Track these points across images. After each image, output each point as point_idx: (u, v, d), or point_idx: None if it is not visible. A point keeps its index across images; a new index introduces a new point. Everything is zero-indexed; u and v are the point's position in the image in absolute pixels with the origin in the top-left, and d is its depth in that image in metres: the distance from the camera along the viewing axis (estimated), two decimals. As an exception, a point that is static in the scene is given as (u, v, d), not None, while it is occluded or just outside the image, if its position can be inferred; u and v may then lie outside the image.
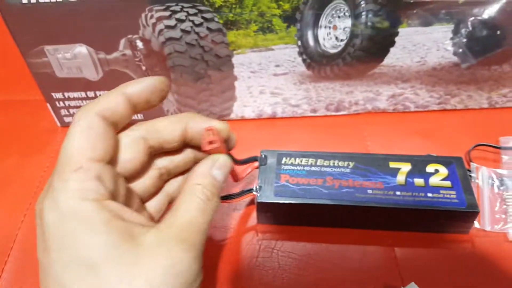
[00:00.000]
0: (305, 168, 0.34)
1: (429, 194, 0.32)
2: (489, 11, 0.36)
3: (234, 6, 0.34)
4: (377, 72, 0.40)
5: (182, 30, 0.36)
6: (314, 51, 0.38)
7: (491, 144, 0.37)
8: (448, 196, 0.32)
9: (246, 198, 0.36)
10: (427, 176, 0.33)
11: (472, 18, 0.36)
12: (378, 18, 0.36)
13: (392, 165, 0.34)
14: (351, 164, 0.34)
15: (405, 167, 0.34)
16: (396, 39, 0.37)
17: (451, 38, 0.37)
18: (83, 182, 0.20)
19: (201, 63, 0.38)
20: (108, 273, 0.18)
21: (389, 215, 0.32)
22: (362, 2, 0.35)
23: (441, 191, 0.32)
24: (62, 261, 0.19)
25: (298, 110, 0.42)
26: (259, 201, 0.32)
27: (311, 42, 0.37)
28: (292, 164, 0.34)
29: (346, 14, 0.35)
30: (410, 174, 0.33)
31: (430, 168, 0.33)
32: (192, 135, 0.25)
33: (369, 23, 0.36)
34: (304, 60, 0.38)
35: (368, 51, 0.38)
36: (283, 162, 0.34)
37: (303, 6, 0.35)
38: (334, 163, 0.34)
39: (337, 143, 0.41)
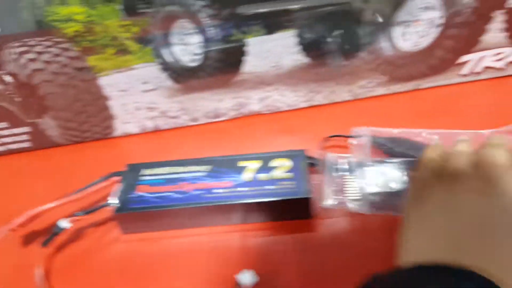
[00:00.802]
0: (164, 176, 0.37)
1: (271, 187, 0.35)
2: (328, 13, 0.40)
3: (86, 34, 0.37)
4: (240, 80, 0.43)
5: (44, 61, 0.38)
6: (176, 66, 0.41)
7: (340, 135, 0.40)
8: (287, 186, 0.35)
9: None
10: (271, 170, 0.36)
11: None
12: (224, 31, 0.39)
13: (242, 163, 0.37)
14: (207, 167, 0.37)
15: (254, 165, 0.37)
16: (247, 48, 0.40)
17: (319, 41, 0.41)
18: None
19: (71, 89, 0.41)
20: None
21: (235, 210, 0.35)
22: (204, 20, 0.38)
23: (282, 183, 0.35)
24: None
25: (179, 121, 0.45)
26: (115, 213, 0.35)
27: (169, 58, 0.40)
28: (152, 175, 0.37)
29: (194, 30, 0.39)
30: (257, 170, 0.36)
31: (275, 163, 0.37)
32: None
33: (217, 37, 0.39)
34: (169, 75, 0.41)
35: (225, 62, 0.41)
36: (144, 173, 0.37)
37: (150, 27, 0.38)
38: (192, 169, 0.37)
39: (215, 149, 0.44)
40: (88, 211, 0.37)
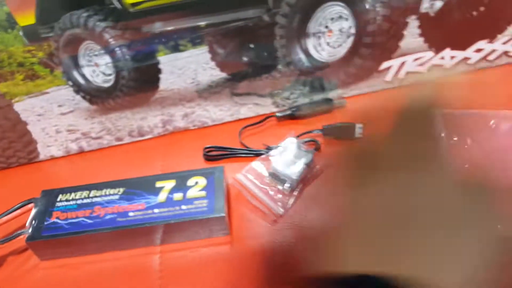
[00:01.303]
0: (78, 201, 0.36)
1: (183, 207, 0.35)
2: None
3: (-10, 61, 0.37)
4: (159, 97, 0.43)
5: (-48, 89, 0.38)
6: (89, 88, 0.41)
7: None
8: (200, 205, 0.35)
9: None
10: (186, 189, 0.36)
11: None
12: (132, 51, 0.39)
13: (158, 184, 0.37)
14: (121, 190, 0.37)
15: (169, 184, 0.36)
16: (161, 66, 0.40)
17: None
18: None
19: (-14, 115, 0.41)
20: None
21: (151, 232, 0.35)
22: (110, 40, 0.38)
23: (195, 202, 0.35)
24: None
25: (103, 141, 0.45)
26: (26, 241, 0.34)
27: (81, 80, 0.40)
28: (66, 200, 0.37)
29: (101, 51, 0.38)
30: (172, 190, 0.36)
31: (191, 181, 0.36)
32: None
33: (126, 56, 0.39)
34: (83, 97, 0.41)
35: (140, 80, 0.41)
36: (58, 199, 0.37)
37: (56, 51, 0.38)
38: (105, 192, 0.37)
39: (142, 168, 0.43)
40: (2, 240, 0.36)
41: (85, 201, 0.36)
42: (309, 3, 0.39)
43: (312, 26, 0.40)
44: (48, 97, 0.40)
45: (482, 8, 0.43)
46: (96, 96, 0.41)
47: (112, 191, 0.37)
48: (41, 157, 0.45)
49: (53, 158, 0.45)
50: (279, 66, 0.42)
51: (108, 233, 0.34)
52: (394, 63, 0.45)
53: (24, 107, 0.40)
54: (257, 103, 0.45)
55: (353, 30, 0.41)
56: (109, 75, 0.40)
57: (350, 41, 0.42)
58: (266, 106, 0.45)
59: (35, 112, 0.41)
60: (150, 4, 0.36)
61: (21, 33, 0.36)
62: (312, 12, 0.39)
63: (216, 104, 0.44)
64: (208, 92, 0.43)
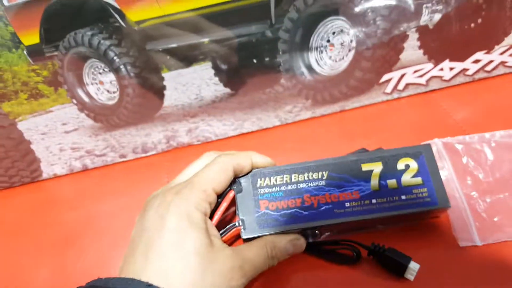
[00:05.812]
0: (282, 187, 0.32)
1: (403, 197, 0.31)
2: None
3: (-5, 81, 0.37)
4: (164, 113, 0.43)
5: (-44, 110, 0.38)
6: (93, 106, 0.41)
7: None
8: (420, 195, 0.31)
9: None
10: (399, 175, 0.32)
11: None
12: (136, 68, 0.39)
13: (365, 167, 0.32)
14: (325, 174, 0.32)
15: (377, 168, 0.32)
16: (165, 83, 0.41)
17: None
18: (201, 200, 0.29)
19: (-11, 135, 0.40)
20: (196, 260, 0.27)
21: (367, 226, 0.32)
22: (115, 58, 0.38)
23: (414, 191, 0.31)
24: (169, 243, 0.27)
25: (107, 158, 0.45)
26: (244, 237, 0.30)
27: (85, 98, 0.40)
28: (268, 186, 0.32)
29: (106, 69, 0.39)
30: (382, 176, 0.32)
31: (401, 165, 0.32)
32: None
33: (131, 74, 0.39)
34: (88, 115, 0.41)
35: (144, 97, 0.41)
36: (258, 184, 0.32)
37: (61, 70, 0.38)
38: (308, 176, 0.32)
39: (147, 184, 0.43)
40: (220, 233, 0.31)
41: (289, 187, 0.32)
42: (311, 18, 0.39)
43: (314, 41, 0.41)
44: (52, 116, 0.40)
45: (479, 20, 0.44)
46: (100, 114, 0.41)
47: (315, 175, 0.32)
48: (44, 175, 0.44)
49: (56, 177, 0.45)
50: (282, 80, 0.43)
51: (326, 226, 0.30)
52: (394, 75, 0.45)
53: (27, 126, 0.40)
54: (260, 117, 0.45)
55: (354, 44, 0.42)
56: (114, 92, 0.40)
57: (351, 55, 0.42)
58: (269, 120, 0.45)
59: (38, 131, 0.41)
60: (155, 22, 0.36)
61: (25, 52, 0.36)
62: (314, 27, 0.40)
63: (220, 119, 0.44)
64: (212, 107, 0.43)
